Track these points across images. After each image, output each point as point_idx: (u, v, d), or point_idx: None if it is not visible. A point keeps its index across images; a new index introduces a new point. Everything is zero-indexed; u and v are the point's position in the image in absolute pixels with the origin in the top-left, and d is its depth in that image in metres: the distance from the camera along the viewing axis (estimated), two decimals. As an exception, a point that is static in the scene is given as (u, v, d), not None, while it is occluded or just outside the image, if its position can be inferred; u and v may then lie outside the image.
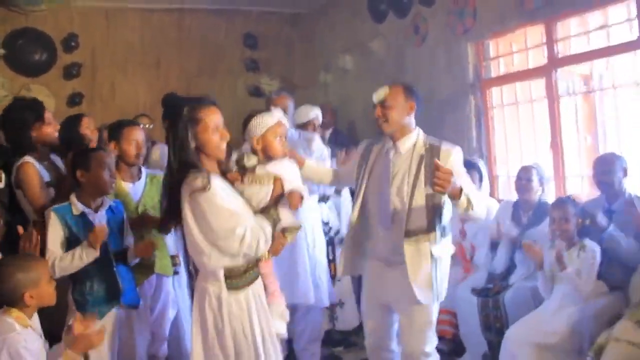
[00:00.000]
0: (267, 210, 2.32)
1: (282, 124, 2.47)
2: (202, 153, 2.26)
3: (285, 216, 2.32)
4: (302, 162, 2.95)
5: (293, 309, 3.71)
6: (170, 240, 3.31)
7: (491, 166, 4.45)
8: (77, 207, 2.76)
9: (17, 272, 2.17)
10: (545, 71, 3.97)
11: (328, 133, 5.20)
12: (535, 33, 4.09)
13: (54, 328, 2.73)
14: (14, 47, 5.51)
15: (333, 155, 4.42)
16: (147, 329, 3.10)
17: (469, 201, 2.53)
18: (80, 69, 5.81)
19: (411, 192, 2.72)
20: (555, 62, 3.90)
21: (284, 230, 2.35)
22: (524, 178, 3.68)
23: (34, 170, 3.12)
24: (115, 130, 3.19)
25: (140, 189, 3.22)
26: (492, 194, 4.30)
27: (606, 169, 3.29)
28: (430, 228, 2.70)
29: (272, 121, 2.44)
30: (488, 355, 3.51)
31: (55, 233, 2.72)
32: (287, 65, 6.57)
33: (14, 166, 3.15)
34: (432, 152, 2.74)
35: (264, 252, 2.27)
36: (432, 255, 2.71)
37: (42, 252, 2.70)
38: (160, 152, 3.99)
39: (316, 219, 3.76)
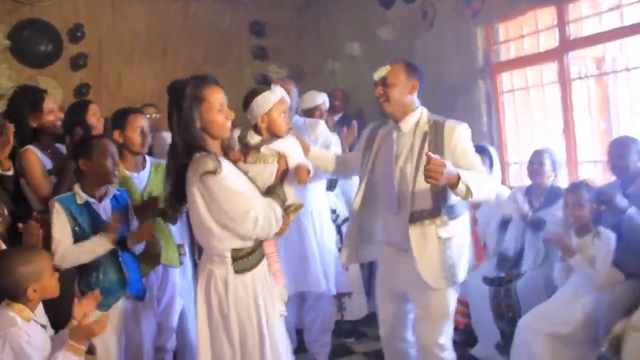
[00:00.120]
0: (274, 190, 2.30)
1: (284, 100, 2.44)
2: (205, 133, 2.22)
3: (289, 194, 2.31)
4: (307, 148, 2.86)
5: (302, 299, 3.70)
6: (175, 230, 3.28)
7: (502, 153, 4.38)
8: (81, 196, 2.72)
9: (19, 266, 2.14)
10: (556, 54, 3.89)
11: (337, 117, 5.14)
12: (546, 15, 3.99)
13: (59, 320, 2.73)
14: (20, 38, 5.46)
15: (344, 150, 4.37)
16: (153, 321, 3.07)
17: (467, 189, 2.40)
18: (87, 59, 5.76)
19: (415, 172, 2.60)
20: (567, 44, 3.81)
21: (287, 209, 2.32)
22: (536, 162, 3.61)
23: (35, 158, 3.09)
24: (120, 118, 3.14)
25: (145, 178, 3.18)
26: (503, 181, 4.23)
27: (621, 152, 3.20)
28: (435, 209, 2.59)
29: (275, 98, 2.40)
30: (501, 345, 3.46)
31: (61, 223, 2.69)
32: (295, 52, 6.48)
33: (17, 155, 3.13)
34: (436, 128, 2.62)
35: (275, 232, 2.26)
36: (439, 237, 2.60)
37: (47, 243, 2.69)
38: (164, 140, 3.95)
39: (324, 206, 3.71)
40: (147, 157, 3.26)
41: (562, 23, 3.81)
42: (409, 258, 2.63)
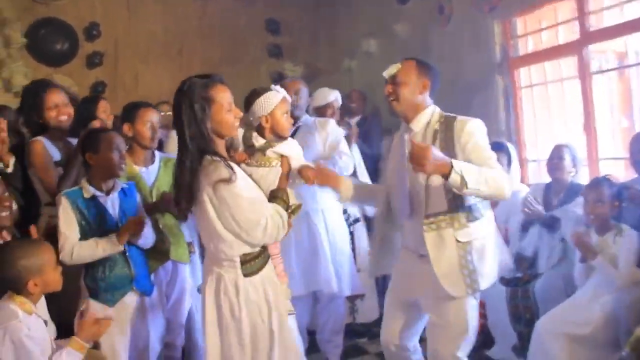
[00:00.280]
0: (278, 194, 2.28)
1: (286, 100, 2.42)
2: (214, 134, 2.18)
3: (290, 196, 2.29)
4: (338, 182, 2.70)
5: (315, 299, 3.64)
6: (185, 228, 3.24)
7: (520, 149, 4.27)
8: (88, 190, 2.70)
9: (20, 259, 2.12)
10: (576, 47, 3.78)
11: (355, 120, 5.04)
12: (565, 7, 3.89)
13: (63, 314, 2.70)
14: (37, 37, 5.50)
15: (362, 150, 4.31)
16: (161, 317, 3.03)
17: (462, 179, 2.24)
18: (103, 58, 5.79)
19: (427, 177, 2.47)
20: (587, 37, 3.70)
21: (286, 209, 2.28)
22: (555, 157, 3.51)
23: (41, 147, 3.08)
24: (130, 112, 3.11)
25: (154, 173, 3.15)
26: (521, 179, 4.11)
27: (644, 148, 3.09)
28: (451, 211, 2.46)
29: (277, 98, 2.39)
30: (517, 348, 3.36)
31: (68, 218, 2.66)
32: (311, 50, 6.44)
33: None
34: (447, 125, 2.49)
35: (281, 237, 2.25)
36: (457, 240, 2.45)
37: (53, 236, 2.67)
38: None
39: (335, 205, 3.64)
40: (156, 152, 3.22)
41: (582, 15, 3.70)
42: (426, 264, 2.49)
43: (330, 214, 3.55)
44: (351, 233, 4.02)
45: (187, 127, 2.12)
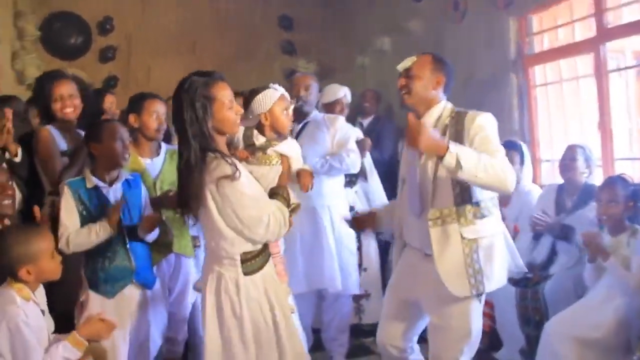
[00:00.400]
0: (279, 192, 2.27)
1: (285, 97, 2.45)
2: (215, 131, 2.16)
3: (291, 195, 2.28)
4: (374, 224, 2.74)
5: (320, 297, 3.59)
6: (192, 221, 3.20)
7: (534, 149, 4.17)
8: (91, 180, 2.69)
9: (13, 246, 2.12)
10: (593, 45, 3.68)
11: (367, 121, 4.98)
12: (582, 4, 3.80)
13: (64, 304, 2.68)
14: (51, 30, 5.53)
15: (373, 156, 4.25)
16: (163, 311, 3.00)
17: (457, 161, 2.16)
18: (116, 52, 5.80)
19: (435, 168, 2.42)
20: (604, 34, 3.61)
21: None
22: (568, 157, 3.43)
23: (48, 135, 3.07)
24: (136, 103, 3.10)
25: (159, 165, 3.13)
26: (534, 180, 4.04)
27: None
28: (458, 205, 2.40)
29: (276, 95, 2.40)
30: (526, 350, 3.28)
31: (69, 207, 2.66)
32: (324, 47, 6.37)
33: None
34: (458, 119, 2.44)
35: (283, 235, 2.24)
36: (463, 237, 2.39)
37: (55, 225, 2.65)
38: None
39: (341, 202, 3.59)
40: (162, 144, 3.20)
41: (599, 11, 3.61)
42: (431, 263, 2.42)
43: (337, 210, 3.50)
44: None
45: (188, 126, 2.10)
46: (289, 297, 2.31)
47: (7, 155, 3.04)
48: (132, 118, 3.07)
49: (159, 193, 3.01)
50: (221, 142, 2.20)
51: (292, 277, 3.01)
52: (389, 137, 4.78)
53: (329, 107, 3.94)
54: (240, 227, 2.11)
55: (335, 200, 3.50)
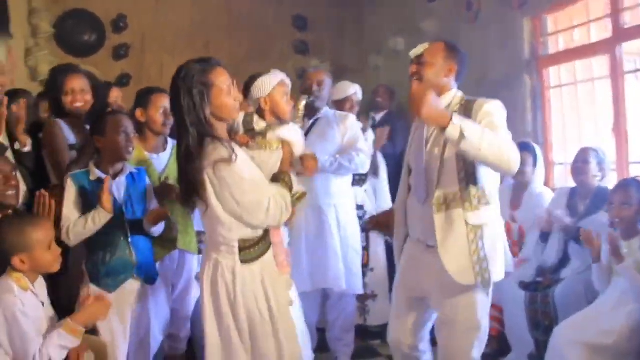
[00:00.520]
0: (281, 177, 2.22)
1: (285, 83, 2.40)
2: (214, 118, 2.13)
3: (294, 182, 2.22)
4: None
5: (324, 296, 3.55)
6: (196, 217, 3.18)
7: (547, 152, 4.10)
8: (94, 173, 2.67)
9: (7, 234, 2.10)
10: (609, 46, 3.60)
11: (380, 116, 4.92)
12: (598, 4, 3.72)
13: (67, 299, 2.67)
14: (65, 27, 5.56)
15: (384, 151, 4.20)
16: (165, 307, 2.99)
17: (461, 132, 2.09)
18: (129, 50, 5.82)
19: (442, 153, 2.37)
20: (620, 34, 3.53)
21: (291, 197, 2.21)
22: (580, 160, 3.35)
23: (57, 128, 3.08)
24: (143, 97, 3.09)
25: (165, 160, 3.12)
26: (547, 183, 3.96)
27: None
28: (463, 192, 2.33)
29: (275, 80, 2.35)
30: (535, 356, 3.20)
31: (72, 200, 2.65)
32: (338, 47, 6.35)
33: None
34: (467, 107, 2.38)
35: (285, 221, 2.18)
36: (467, 223, 2.33)
37: (58, 216, 2.63)
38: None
39: (349, 201, 3.54)
40: (169, 139, 3.18)
41: (615, 11, 3.54)
42: (434, 256, 2.37)
43: (343, 209, 3.44)
44: (366, 230, 3.91)
45: (186, 114, 2.07)
46: (290, 289, 2.24)
47: (16, 145, 3.05)
48: (138, 112, 3.06)
49: (163, 188, 2.99)
50: (221, 128, 2.16)
51: (297, 275, 2.98)
52: (402, 132, 4.73)
53: (339, 105, 3.89)
54: (240, 212, 2.07)
55: (342, 199, 3.45)
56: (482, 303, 2.41)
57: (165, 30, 5.94)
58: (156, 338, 2.89)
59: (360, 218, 3.74)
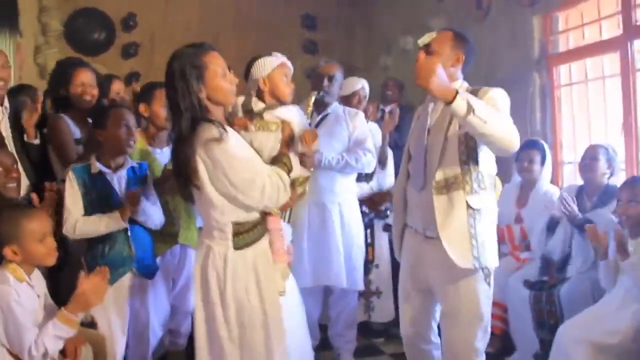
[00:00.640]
0: (279, 158, 2.18)
1: (286, 65, 2.37)
2: (209, 101, 2.10)
3: (295, 164, 2.17)
4: None
5: (327, 292, 3.52)
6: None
7: (556, 151, 4.04)
8: (95, 166, 2.67)
9: (1, 224, 2.10)
10: (620, 43, 3.55)
11: (388, 109, 4.88)
12: (609, 1, 3.67)
13: (68, 294, 2.66)
14: (75, 25, 5.59)
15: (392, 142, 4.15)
16: (165, 302, 2.97)
17: (469, 106, 2.05)
18: (138, 48, 5.84)
19: (444, 139, 2.35)
20: (632, 31, 3.47)
21: (293, 182, 2.17)
22: (588, 157, 3.30)
23: (63, 123, 3.09)
24: (147, 92, 3.09)
25: (168, 155, 3.09)
26: (555, 182, 3.91)
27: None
28: (464, 176, 2.32)
29: (276, 61, 2.32)
30: (539, 355, 3.16)
31: (73, 193, 2.65)
32: (347, 47, 6.32)
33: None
34: (472, 93, 2.32)
35: (284, 202, 2.13)
36: (468, 206, 2.30)
37: (59, 210, 2.63)
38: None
39: (353, 198, 3.51)
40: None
41: (627, 8, 3.48)
42: (433, 245, 2.37)
43: (347, 206, 3.41)
44: (372, 226, 3.87)
45: (180, 98, 2.04)
46: (286, 278, 2.19)
47: (25, 137, 3.06)
48: (142, 107, 3.05)
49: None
50: (217, 112, 2.12)
51: (299, 271, 2.96)
52: (409, 126, 4.69)
53: (347, 100, 3.86)
54: (234, 193, 2.03)
55: (346, 197, 3.42)
56: (484, 293, 2.39)
57: (175, 30, 5.93)
58: (155, 333, 2.87)
59: (366, 214, 3.71)
